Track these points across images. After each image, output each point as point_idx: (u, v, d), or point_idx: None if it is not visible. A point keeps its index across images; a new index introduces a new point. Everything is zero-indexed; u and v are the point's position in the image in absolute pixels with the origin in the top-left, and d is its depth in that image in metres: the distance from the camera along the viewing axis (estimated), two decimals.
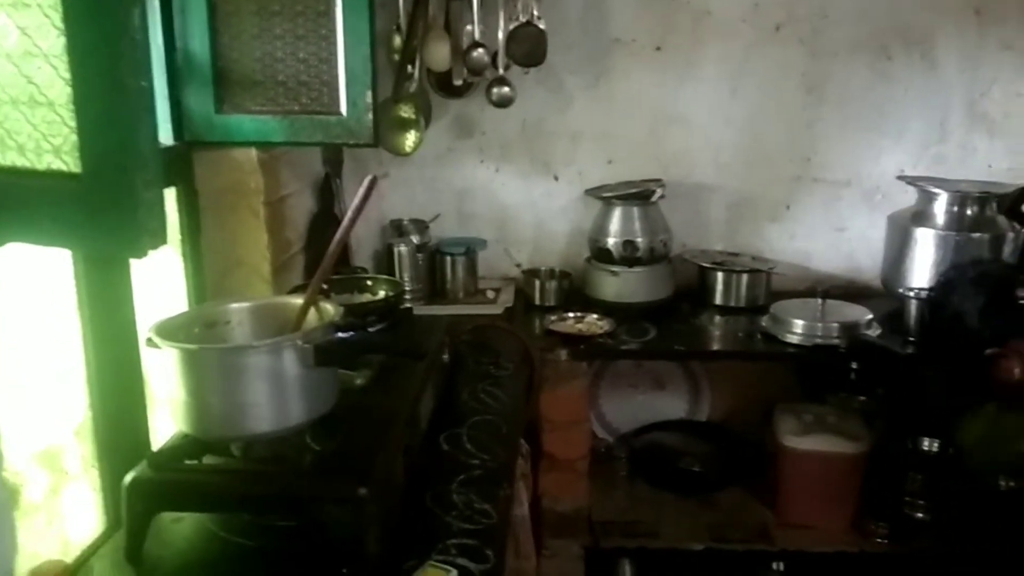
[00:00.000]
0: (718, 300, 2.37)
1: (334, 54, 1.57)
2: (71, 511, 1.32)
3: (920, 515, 2.22)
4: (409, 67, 2.18)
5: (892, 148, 2.44)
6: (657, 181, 2.40)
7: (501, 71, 2.27)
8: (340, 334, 1.18)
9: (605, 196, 2.38)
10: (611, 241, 2.34)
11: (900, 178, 2.37)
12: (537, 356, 1.98)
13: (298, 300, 1.20)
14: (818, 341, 2.07)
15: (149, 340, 1.09)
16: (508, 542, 1.42)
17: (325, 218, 2.08)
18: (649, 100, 2.44)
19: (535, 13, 2.21)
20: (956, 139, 2.43)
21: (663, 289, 2.38)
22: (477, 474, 1.39)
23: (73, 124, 0.80)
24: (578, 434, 2.18)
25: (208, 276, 1.70)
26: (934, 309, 2.06)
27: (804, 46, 2.38)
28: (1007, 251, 2.20)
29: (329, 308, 1.20)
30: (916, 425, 2.25)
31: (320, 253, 1.19)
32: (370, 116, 1.60)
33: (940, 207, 2.23)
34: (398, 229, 2.43)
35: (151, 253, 0.85)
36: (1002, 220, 2.24)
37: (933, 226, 2.22)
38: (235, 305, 1.24)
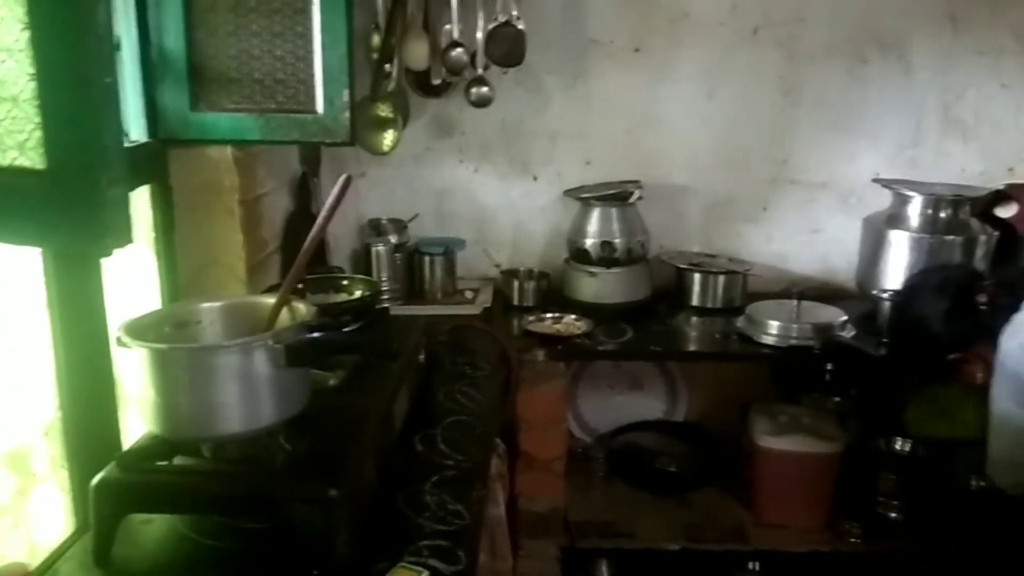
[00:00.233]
0: (695, 301, 2.38)
1: (311, 52, 1.56)
2: (39, 513, 1.30)
3: (893, 515, 2.24)
4: (387, 66, 2.17)
5: (867, 151, 2.47)
6: (635, 182, 2.40)
7: (480, 71, 2.26)
8: (312, 334, 1.17)
9: (583, 197, 2.39)
10: (589, 242, 2.35)
11: (875, 181, 2.39)
12: (514, 357, 1.98)
13: (271, 300, 1.19)
14: (793, 342, 2.09)
15: (119, 339, 1.07)
16: (483, 542, 1.42)
17: (302, 217, 2.06)
18: (627, 101, 2.44)
19: (514, 13, 2.21)
20: (930, 143, 2.46)
21: (641, 290, 2.39)
22: (451, 475, 1.38)
23: (38, 120, 0.79)
24: (555, 434, 2.18)
25: (182, 275, 1.68)
26: (899, 314, 2.08)
27: (781, 49, 2.40)
28: (979, 253, 2.23)
29: (302, 308, 1.19)
30: (889, 426, 2.28)
31: (297, 252, 1.18)
32: (347, 115, 1.59)
33: (914, 210, 2.26)
34: (376, 229, 2.42)
35: (116, 251, 0.84)
36: (975, 223, 2.27)
37: (907, 228, 2.25)
38: (206, 304, 1.23)
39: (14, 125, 0.82)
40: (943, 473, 2.22)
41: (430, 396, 1.69)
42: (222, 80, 1.55)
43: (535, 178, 2.52)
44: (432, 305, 2.32)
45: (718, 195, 2.51)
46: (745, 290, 2.39)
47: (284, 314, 1.18)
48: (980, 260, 2.22)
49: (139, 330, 1.09)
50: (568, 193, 2.46)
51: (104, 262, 1.36)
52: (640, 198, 2.37)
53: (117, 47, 1.48)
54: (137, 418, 1.14)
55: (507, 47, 2.23)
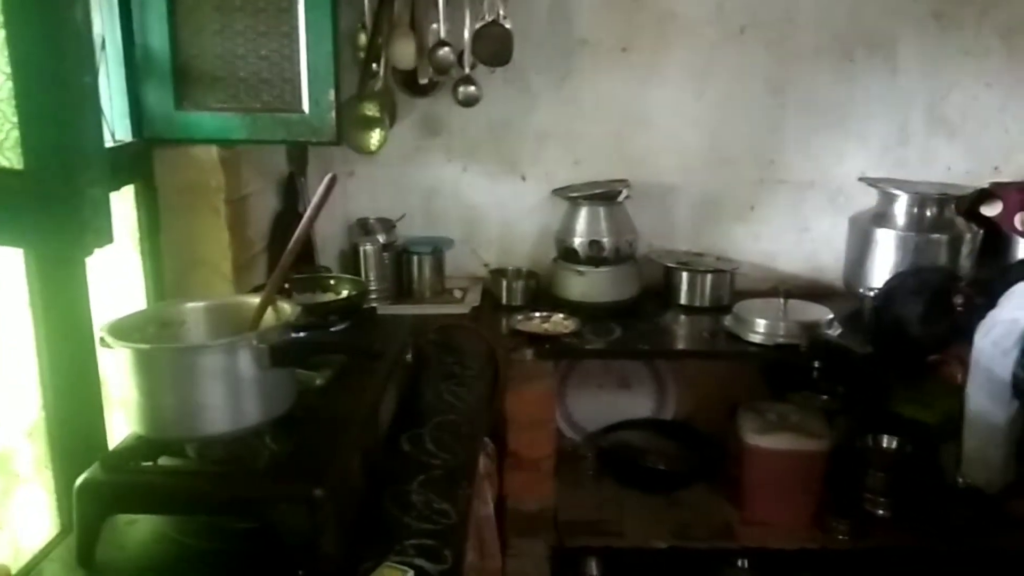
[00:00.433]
0: (683, 300, 2.38)
1: (296, 51, 1.56)
2: (23, 514, 1.29)
3: (880, 512, 2.26)
4: (374, 65, 2.16)
5: (854, 150, 2.48)
6: (623, 182, 2.41)
7: (467, 70, 2.26)
8: (296, 334, 1.16)
9: (572, 196, 2.39)
10: (577, 241, 2.35)
11: (862, 180, 2.40)
12: (503, 356, 1.98)
13: (256, 300, 1.18)
14: (780, 340, 2.09)
15: (102, 340, 1.07)
16: (471, 542, 1.42)
17: (289, 217, 2.06)
18: (615, 101, 2.44)
19: (501, 12, 2.20)
20: (917, 142, 2.47)
21: (629, 289, 2.39)
22: (438, 474, 1.38)
23: (15, 119, 0.78)
24: (544, 433, 2.18)
25: (168, 275, 1.67)
26: (878, 317, 2.09)
27: (768, 49, 2.41)
28: (965, 252, 2.24)
29: (287, 308, 1.19)
30: (876, 423, 2.29)
31: (283, 252, 1.18)
32: (333, 114, 1.59)
33: (900, 208, 2.27)
34: (364, 228, 2.41)
35: (96, 251, 0.83)
36: (960, 221, 2.28)
37: (893, 227, 2.26)
38: (191, 304, 1.23)
39: None
40: (930, 470, 2.23)
41: (418, 395, 1.69)
42: (207, 79, 1.55)
43: (523, 177, 2.51)
44: (420, 304, 2.32)
45: (706, 194, 2.52)
46: (733, 289, 2.40)
47: (269, 314, 1.17)
48: (965, 259, 2.24)
49: (123, 330, 1.09)
50: (556, 192, 2.46)
51: (89, 262, 1.35)
52: (628, 197, 2.37)
53: (101, 46, 1.48)
54: (122, 418, 1.13)
55: (494, 46, 2.23)
